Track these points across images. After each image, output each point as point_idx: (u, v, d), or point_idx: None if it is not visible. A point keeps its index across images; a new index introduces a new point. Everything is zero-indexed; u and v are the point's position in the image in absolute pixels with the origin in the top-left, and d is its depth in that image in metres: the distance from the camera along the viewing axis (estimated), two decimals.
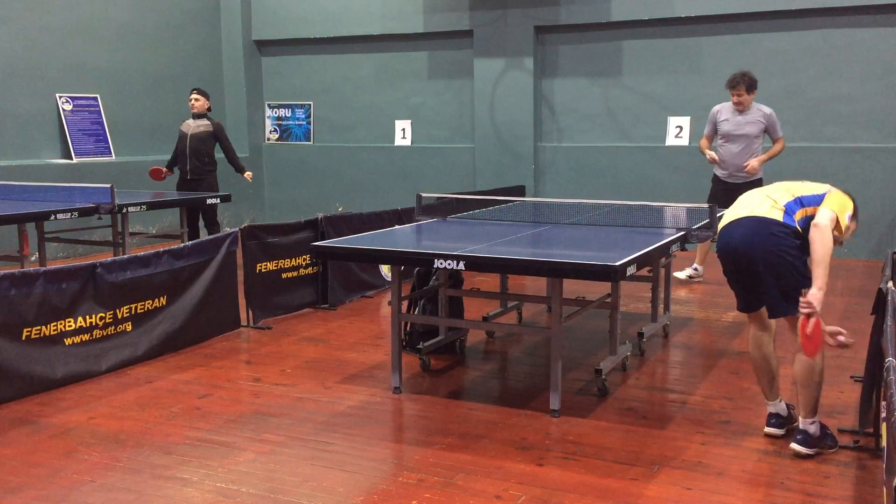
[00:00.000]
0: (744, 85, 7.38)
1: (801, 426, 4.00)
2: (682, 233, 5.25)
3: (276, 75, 12.86)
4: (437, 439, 4.20)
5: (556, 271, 4.27)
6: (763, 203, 4.09)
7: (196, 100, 8.72)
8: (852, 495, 3.56)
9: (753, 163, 7.48)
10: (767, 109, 7.61)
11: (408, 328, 5.75)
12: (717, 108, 7.75)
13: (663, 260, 6.14)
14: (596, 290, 6.43)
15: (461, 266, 4.32)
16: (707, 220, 5.57)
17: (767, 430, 4.24)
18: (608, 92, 10.74)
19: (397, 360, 4.93)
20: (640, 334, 5.78)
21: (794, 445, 3.96)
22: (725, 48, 10.10)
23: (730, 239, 4.09)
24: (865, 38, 9.45)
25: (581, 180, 10.80)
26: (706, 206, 5.75)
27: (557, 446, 4.11)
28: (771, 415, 4.26)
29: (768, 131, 7.62)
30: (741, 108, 7.51)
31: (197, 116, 8.72)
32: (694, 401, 4.78)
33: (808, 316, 3.80)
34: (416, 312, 5.73)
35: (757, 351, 4.26)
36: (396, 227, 6.43)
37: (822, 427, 4.02)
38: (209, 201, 8.34)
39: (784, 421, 4.24)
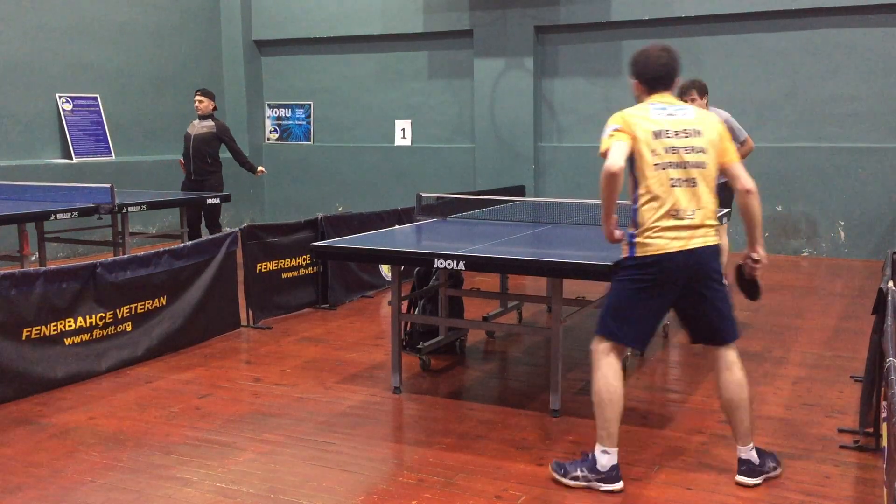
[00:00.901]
0: (695, 89, 7.01)
1: (743, 455, 3.64)
2: None
3: (276, 75, 12.86)
4: (437, 439, 4.20)
5: (556, 271, 4.27)
6: (708, 221, 3.63)
7: (200, 101, 8.69)
8: (852, 495, 3.56)
9: None
10: (724, 114, 7.16)
11: (408, 328, 5.75)
12: None
13: None
14: (596, 290, 6.42)
15: (461, 266, 4.32)
16: None
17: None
18: (608, 92, 10.74)
19: (397, 360, 4.93)
20: None
21: (739, 478, 3.63)
22: (725, 48, 10.10)
23: None
24: (865, 38, 9.45)
25: (581, 180, 10.79)
26: None
27: (557, 446, 4.11)
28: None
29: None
30: None
31: (202, 118, 8.71)
32: (694, 401, 4.78)
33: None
34: (416, 312, 5.73)
35: (619, 386, 3.66)
36: (396, 227, 6.44)
37: (760, 451, 3.69)
38: (209, 202, 8.32)
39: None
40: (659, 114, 3.56)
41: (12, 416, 4.53)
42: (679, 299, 3.64)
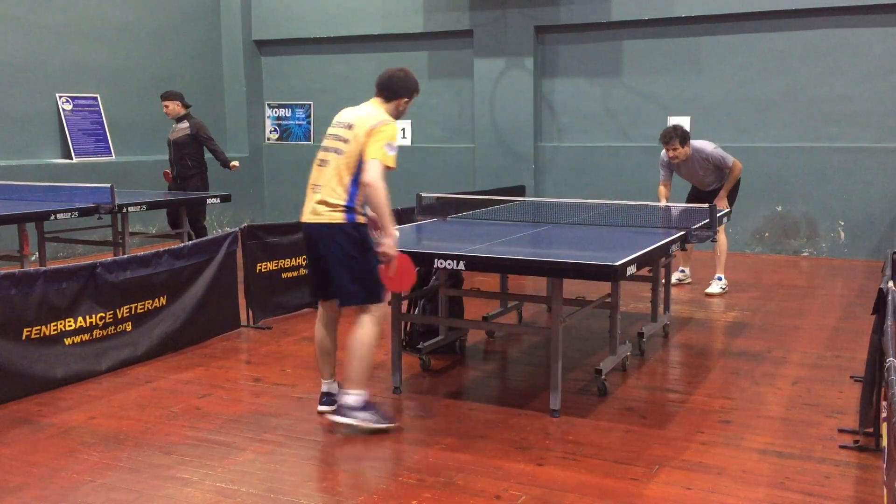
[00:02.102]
0: (677, 139, 7.25)
1: (342, 396, 4.26)
2: (682, 233, 5.25)
3: (276, 75, 12.86)
4: (437, 439, 4.20)
5: (556, 271, 4.27)
6: (327, 199, 4.16)
7: (166, 106, 8.69)
8: (852, 495, 3.56)
9: (720, 204, 7.28)
10: (709, 148, 7.43)
11: (408, 328, 5.75)
12: (664, 156, 7.50)
13: (663, 260, 6.13)
14: (596, 290, 6.42)
15: (461, 266, 4.32)
16: (707, 220, 5.57)
17: (320, 408, 4.53)
18: (608, 92, 10.74)
19: (397, 360, 4.93)
20: (640, 334, 5.78)
21: (320, 407, 4.34)
22: (725, 48, 10.10)
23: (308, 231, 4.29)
24: (865, 38, 9.45)
25: (581, 180, 10.80)
26: (706, 206, 5.75)
27: (557, 446, 4.11)
28: (323, 394, 4.56)
29: (717, 167, 7.47)
30: (677, 161, 7.37)
31: (178, 120, 8.70)
32: (694, 401, 4.78)
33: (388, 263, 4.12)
34: (416, 312, 5.73)
35: (320, 333, 4.51)
36: (396, 227, 6.42)
37: (367, 403, 4.24)
38: (200, 201, 8.25)
39: (335, 399, 4.49)
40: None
41: (12, 416, 4.53)
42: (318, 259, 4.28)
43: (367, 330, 4.24)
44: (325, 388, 4.55)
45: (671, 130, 7.32)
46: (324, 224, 4.16)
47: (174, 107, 8.66)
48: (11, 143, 9.76)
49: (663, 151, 7.51)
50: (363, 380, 4.27)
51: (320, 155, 4.28)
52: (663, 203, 7.42)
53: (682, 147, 7.30)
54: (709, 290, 7.66)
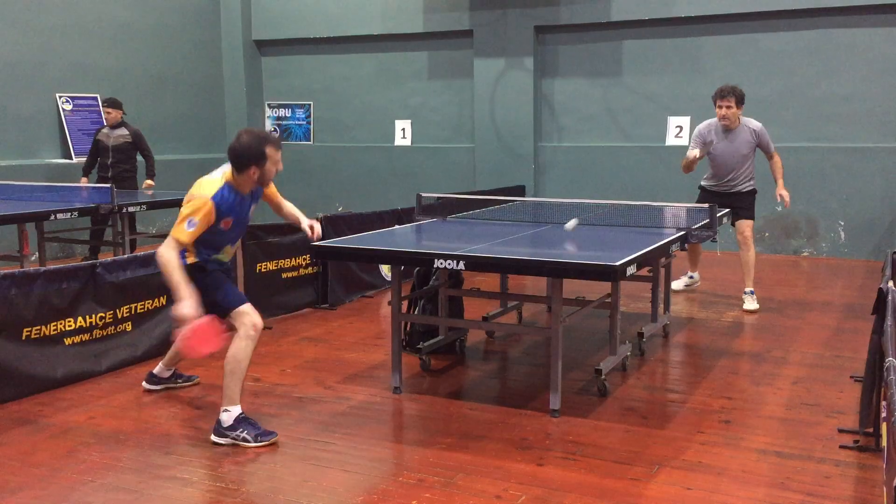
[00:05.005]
0: (734, 96, 6.74)
1: (219, 415, 4.18)
2: (682, 233, 5.25)
3: (276, 75, 12.86)
4: (437, 439, 4.20)
5: (556, 271, 4.27)
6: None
7: (108, 113, 9.05)
8: (852, 495, 3.56)
9: (786, 197, 6.98)
10: (757, 125, 6.94)
11: (408, 328, 5.75)
12: (704, 128, 6.99)
13: (663, 260, 6.13)
14: (596, 290, 6.42)
15: (461, 266, 4.32)
16: (707, 220, 5.57)
17: (144, 384, 4.92)
18: (608, 92, 10.75)
19: (397, 360, 4.93)
20: (640, 334, 5.78)
21: (212, 437, 4.17)
22: (725, 48, 10.10)
23: None
24: (865, 38, 9.45)
25: (581, 180, 10.80)
26: (706, 206, 5.75)
27: (557, 446, 4.11)
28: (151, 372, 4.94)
29: (761, 147, 6.98)
30: (727, 123, 6.82)
31: (115, 127, 9.08)
32: (694, 401, 4.78)
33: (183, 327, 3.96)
34: (416, 312, 5.73)
35: None
36: (396, 227, 6.43)
37: (241, 419, 4.16)
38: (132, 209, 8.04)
39: (157, 380, 4.92)
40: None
41: (12, 416, 4.53)
42: None
43: (235, 345, 4.18)
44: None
45: (729, 87, 6.80)
46: None
47: (116, 114, 9.07)
48: (11, 143, 9.76)
49: (702, 123, 7.03)
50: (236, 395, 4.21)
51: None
52: (693, 154, 6.80)
53: (737, 107, 6.75)
54: (747, 307, 7.04)
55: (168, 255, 4.04)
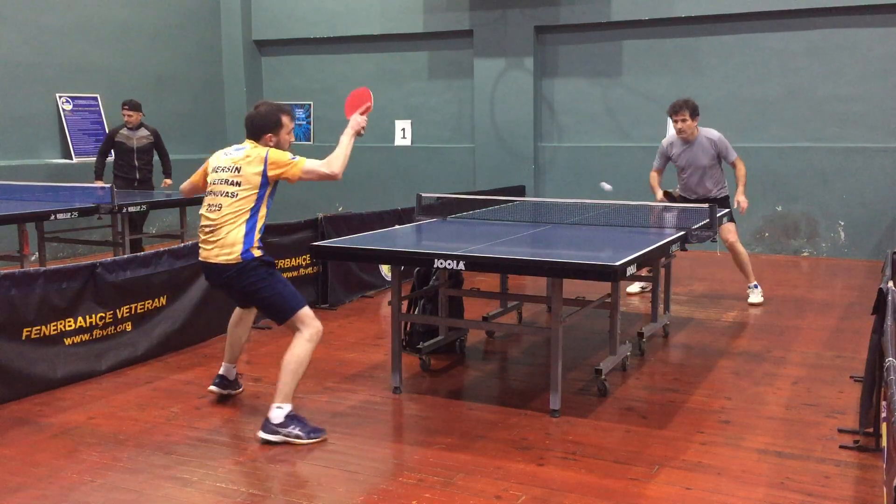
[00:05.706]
0: (687, 110, 6.95)
1: (270, 413, 4.16)
2: (682, 233, 5.25)
3: (276, 75, 12.86)
4: (437, 439, 4.20)
5: (556, 271, 4.27)
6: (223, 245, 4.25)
7: (129, 115, 9.00)
8: (852, 495, 3.56)
9: (744, 204, 7.10)
10: (715, 135, 7.10)
11: (408, 328, 5.75)
12: (666, 142, 7.30)
13: (663, 260, 6.13)
14: (596, 290, 6.42)
15: (461, 266, 4.32)
16: (707, 220, 5.57)
17: (211, 388, 4.75)
18: (608, 92, 10.75)
19: (397, 360, 4.93)
20: (640, 334, 5.78)
21: (259, 433, 4.15)
22: (725, 48, 10.10)
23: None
24: (865, 38, 9.45)
25: (581, 180, 10.79)
26: (706, 206, 5.75)
27: (557, 446, 4.11)
28: (219, 375, 4.77)
29: (721, 156, 7.12)
30: (685, 136, 7.04)
31: (136, 128, 9.06)
32: (694, 401, 4.78)
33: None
34: (416, 312, 5.73)
35: (233, 323, 4.75)
36: (396, 227, 6.44)
37: (292, 416, 4.15)
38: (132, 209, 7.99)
39: (227, 384, 4.76)
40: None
41: (12, 416, 4.53)
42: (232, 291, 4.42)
43: (300, 347, 4.23)
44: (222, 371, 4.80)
45: (681, 101, 7.04)
46: (222, 264, 4.26)
47: (137, 116, 9.03)
48: (11, 143, 9.76)
49: (665, 138, 7.36)
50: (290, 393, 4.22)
51: (209, 199, 4.36)
52: (660, 195, 7.23)
53: (692, 119, 6.99)
54: (752, 300, 7.25)
55: (314, 163, 4.50)
